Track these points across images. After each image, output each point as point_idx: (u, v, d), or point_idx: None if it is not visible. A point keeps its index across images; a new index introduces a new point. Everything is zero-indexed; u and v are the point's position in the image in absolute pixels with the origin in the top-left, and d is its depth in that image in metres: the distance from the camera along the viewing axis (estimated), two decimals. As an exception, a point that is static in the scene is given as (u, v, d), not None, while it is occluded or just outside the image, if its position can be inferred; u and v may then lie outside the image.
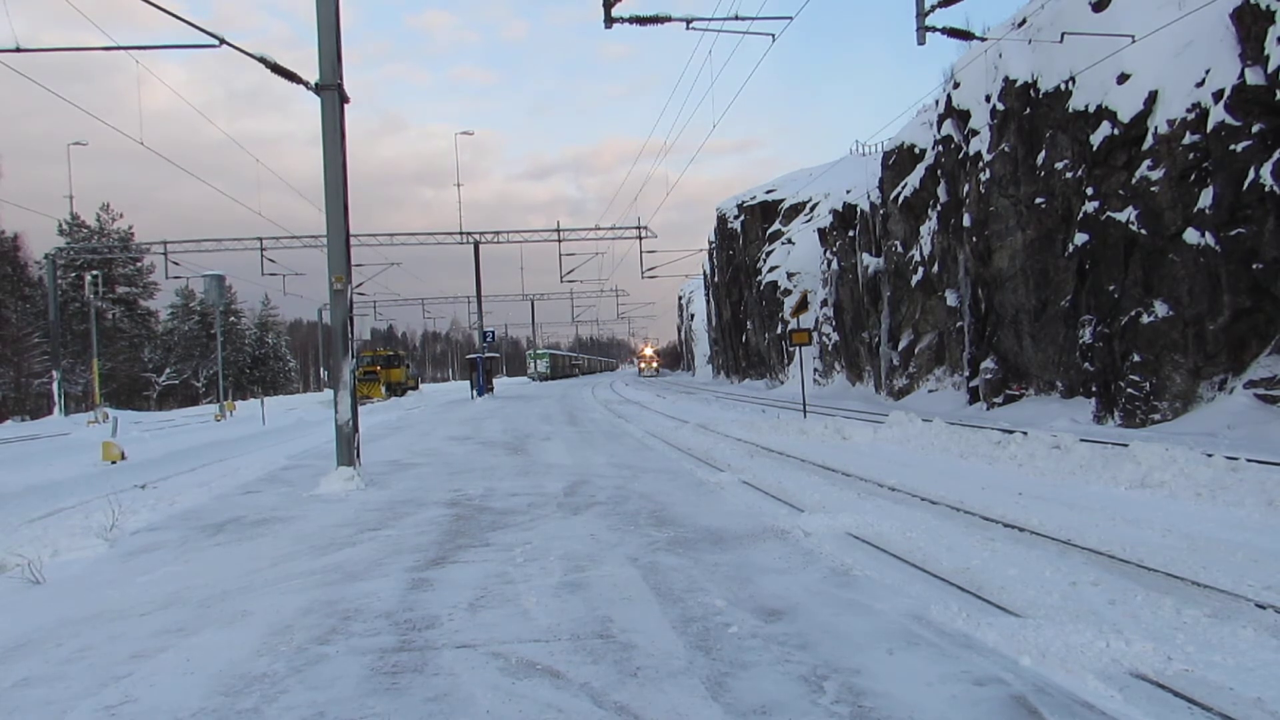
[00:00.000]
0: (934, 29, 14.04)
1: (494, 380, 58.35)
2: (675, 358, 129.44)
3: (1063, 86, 18.95)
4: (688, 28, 14.67)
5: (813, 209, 48.56)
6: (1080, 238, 18.23)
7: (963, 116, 23.66)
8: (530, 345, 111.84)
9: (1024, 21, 20.98)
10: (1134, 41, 15.77)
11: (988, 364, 22.59)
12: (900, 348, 29.11)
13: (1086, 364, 18.45)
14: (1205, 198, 15.21)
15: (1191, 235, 15.39)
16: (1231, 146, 14.66)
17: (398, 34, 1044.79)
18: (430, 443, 17.79)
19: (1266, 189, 14.01)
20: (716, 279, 68.15)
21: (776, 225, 52.41)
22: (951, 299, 25.07)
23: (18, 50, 13.63)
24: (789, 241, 48.83)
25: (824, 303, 39.99)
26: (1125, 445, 11.25)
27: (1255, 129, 14.33)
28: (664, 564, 6.22)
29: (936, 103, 26.73)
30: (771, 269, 48.57)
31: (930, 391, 27.06)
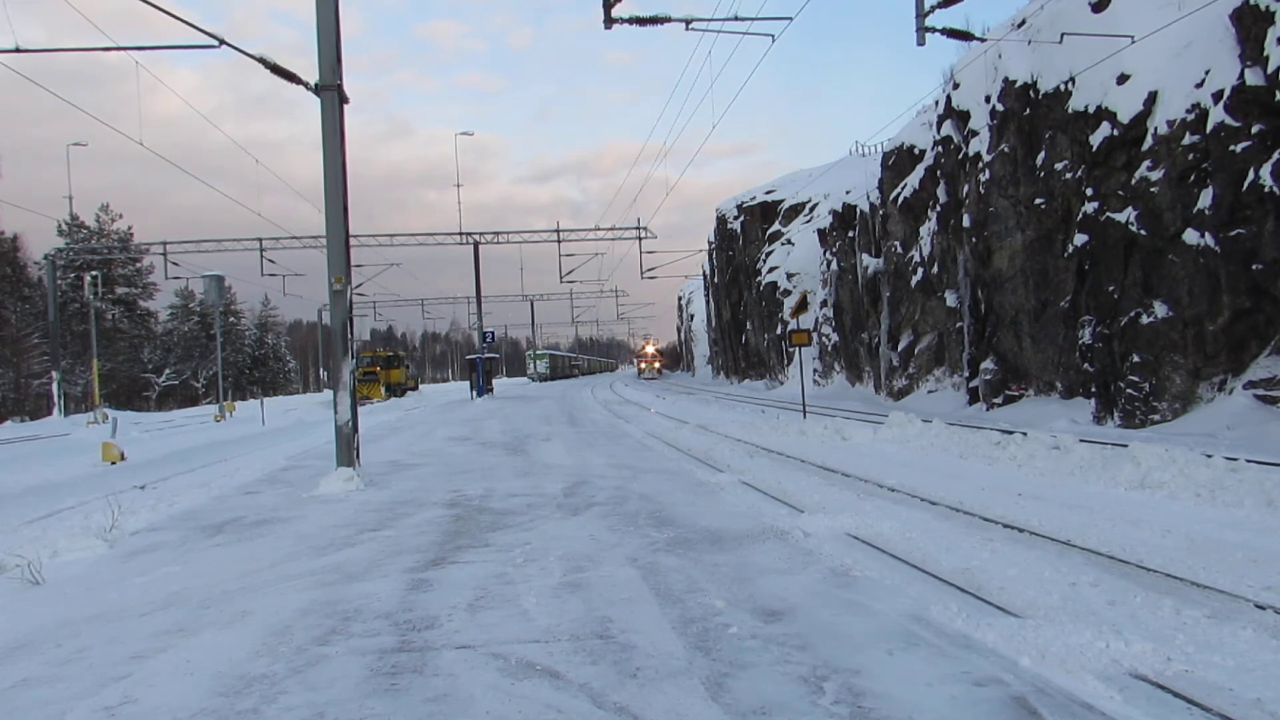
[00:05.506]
0: (934, 30, 14.04)
1: (493, 381, 58.33)
2: (675, 358, 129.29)
3: (1062, 87, 18.95)
4: (687, 28, 14.68)
5: (812, 210, 48.54)
6: (1080, 238, 18.23)
7: (962, 117, 23.66)
8: (530, 346, 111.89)
9: (1023, 22, 20.98)
10: (1133, 42, 15.77)
11: (987, 364, 22.59)
12: (900, 348, 29.11)
13: (1086, 364, 18.44)
14: (1205, 198, 15.21)
15: (1191, 236, 15.39)
16: (1231, 147, 14.67)
17: (405, 42, 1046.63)
18: (430, 443, 17.79)
19: (1266, 189, 14.01)
20: (716, 279, 68.13)
21: (776, 226, 52.39)
22: (951, 299, 25.08)
23: (17, 51, 13.63)
24: (789, 242, 48.82)
25: (824, 303, 39.98)
26: (1125, 446, 11.24)
27: (1255, 129, 14.33)
28: (663, 564, 6.22)
29: (936, 103, 26.72)
30: (771, 269, 48.56)
31: (930, 392, 27.05)
